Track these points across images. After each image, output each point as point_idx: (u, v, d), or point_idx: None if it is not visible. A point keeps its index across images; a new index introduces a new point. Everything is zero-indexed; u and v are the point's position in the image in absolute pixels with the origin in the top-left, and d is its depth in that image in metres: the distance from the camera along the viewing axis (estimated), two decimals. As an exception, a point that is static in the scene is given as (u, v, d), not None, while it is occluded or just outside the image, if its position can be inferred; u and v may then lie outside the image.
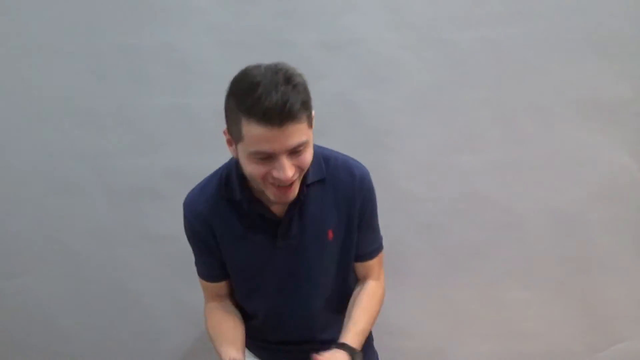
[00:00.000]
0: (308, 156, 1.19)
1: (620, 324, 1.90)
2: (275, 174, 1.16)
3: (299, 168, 1.19)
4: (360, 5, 1.75)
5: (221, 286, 1.45)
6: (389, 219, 1.86)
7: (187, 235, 1.41)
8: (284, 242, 1.33)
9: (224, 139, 1.82)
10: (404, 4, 1.74)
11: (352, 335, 1.33)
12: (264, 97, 1.09)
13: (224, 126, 1.81)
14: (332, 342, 1.33)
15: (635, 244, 1.86)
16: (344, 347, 1.30)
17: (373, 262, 1.43)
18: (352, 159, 1.39)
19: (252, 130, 1.12)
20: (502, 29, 1.73)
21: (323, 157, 1.35)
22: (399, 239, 1.85)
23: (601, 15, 1.70)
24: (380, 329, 1.91)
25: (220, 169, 1.38)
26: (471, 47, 1.74)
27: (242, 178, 1.29)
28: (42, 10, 1.77)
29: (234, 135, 1.19)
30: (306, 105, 1.14)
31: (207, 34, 1.78)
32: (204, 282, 1.45)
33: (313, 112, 1.19)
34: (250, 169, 1.18)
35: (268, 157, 1.15)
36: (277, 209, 1.32)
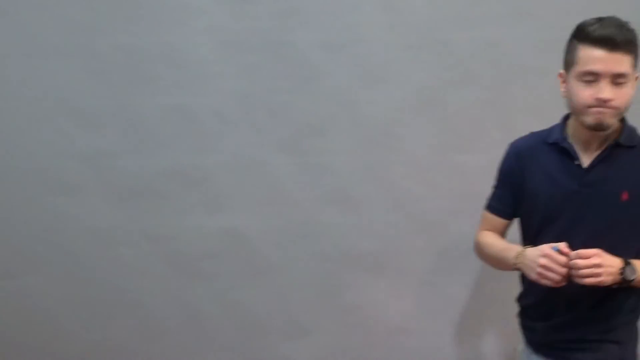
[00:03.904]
0: (626, 93, 1.35)
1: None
2: (598, 94, 1.35)
3: (617, 101, 1.35)
4: (360, 5, 1.75)
5: (499, 223, 1.59)
6: (388, 218, 1.88)
7: (500, 170, 1.59)
8: (578, 186, 1.42)
9: (224, 138, 1.85)
10: (404, 5, 1.74)
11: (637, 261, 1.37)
12: (601, 27, 1.36)
13: (224, 126, 1.84)
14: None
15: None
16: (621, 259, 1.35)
17: None
18: None
19: (587, 52, 1.36)
20: (501, 29, 1.74)
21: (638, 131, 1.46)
22: (398, 238, 1.86)
23: (599, 16, 1.70)
24: (377, 326, 1.93)
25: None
26: (470, 47, 1.74)
27: (564, 125, 1.49)
28: (42, 10, 1.77)
29: (567, 65, 1.42)
30: (633, 47, 1.35)
31: (207, 34, 1.78)
32: (489, 214, 1.60)
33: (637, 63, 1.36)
34: (578, 90, 1.38)
35: (594, 81, 1.35)
36: (585, 158, 1.44)
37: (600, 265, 1.32)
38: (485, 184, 1.82)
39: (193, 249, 1.89)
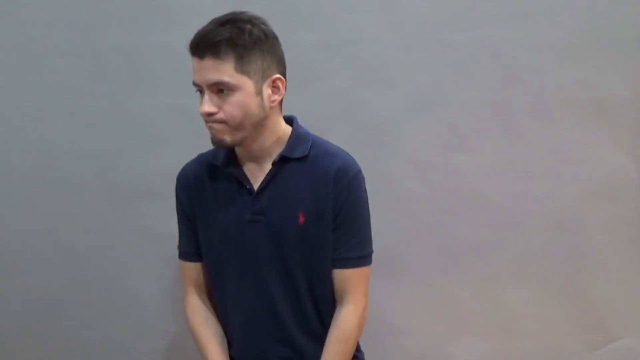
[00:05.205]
0: (234, 102, 1.18)
1: (617, 322, 1.91)
2: (200, 108, 1.20)
3: (225, 113, 1.19)
4: (360, 5, 1.76)
5: (198, 269, 1.40)
6: (388, 218, 1.87)
7: (176, 206, 1.42)
8: (252, 215, 1.27)
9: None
10: (404, 4, 1.75)
11: None
12: (198, 32, 1.19)
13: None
14: None
15: (632, 243, 1.87)
16: None
17: (351, 274, 1.30)
18: (347, 153, 1.33)
19: (193, 62, 1.19)
20: (501, 29, 1.74)
21: (313, 142, 1.31)
22: (397, 238, 1.86)
23: (599, 16, 1.71)
24: (378, 327, 1.92)
25: None
26: (470, 47, 1.75)
27: None
28: (42, 10, 1.77)
29: None
30: (234, 46, 1.16)
31: (207, 34, 1.78)
32: (183, 262, 1.42)
33: (259, 65, 1.18)
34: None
35: (202, 93, 1.19)
36: (255, 179, 1.28)
37: None
38: (485, 184, 1.83)
39: (193, 249, 1.89)
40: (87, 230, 1.89)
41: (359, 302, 1.32)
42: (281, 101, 1.30)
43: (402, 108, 1.80)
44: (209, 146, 1.84)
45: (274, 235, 1.27)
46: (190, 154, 1.85)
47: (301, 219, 1.26)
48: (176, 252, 1.88)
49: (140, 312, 1.93)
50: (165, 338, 1.95)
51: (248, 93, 1.19)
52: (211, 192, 1.33)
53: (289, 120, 1.36)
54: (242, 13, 1.23)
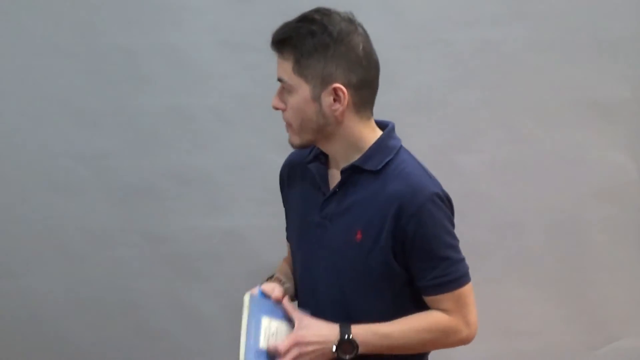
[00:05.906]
0: (292, 104, 1.14)
1: (617, 322, 1.92)
2: None
3: (287, 113, 1.16)
4: (360, 5, 1.75)
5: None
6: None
7: None
8: (320, 218, 1.21)
9: (224, 138, 1.86)
10: (404, 5, 1.75)
11: (363, 326, 1.16)
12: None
13: (223, 126, 1.84)
14: None
15: (632, 243, 1.87)
16: (341, 325, 1.15)
17: (442, 299, 1.19)
18: (424, 176, 1.21)
19: None
20: (501, 29, 1.74)
21: (396, 156, 1.21)
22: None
23: (600, 16, 1.71)
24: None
25: None
26: (471, 47, 1.75)
27: None
28: (42, 10, 1.77)
29: None
30: (294, 47, 1.12)
31: (207, 34, 1.78)
32: (287, 243, 1.39)
33: (318, 71, 1.12)
34: None
35: None
36: (333, 182, 1.22)
37: (300, 355, 1.12)
38: (486, 184, 1.83)
39: (192, 249, 1.89)
40: (87, 230, 1.88)
41: (460, 324, 1.21)
42: (368, 106, 1.21)
43: (402, 108, 1.79)
44: (208, 146, 1.86)
45: (331, 244, 1.20)
46: (190, 154, 1.86)
47: (359, 236, 1.17)
48: (176, 252, 1.90)
49: (140, 312, 1.93)
50: (165, 338, 1.95)
51: (304, 97, 1.14)
52: (299, 184, 1.29)
53: (384, 127, 1.26)
54: (323, 12, 1.16)
